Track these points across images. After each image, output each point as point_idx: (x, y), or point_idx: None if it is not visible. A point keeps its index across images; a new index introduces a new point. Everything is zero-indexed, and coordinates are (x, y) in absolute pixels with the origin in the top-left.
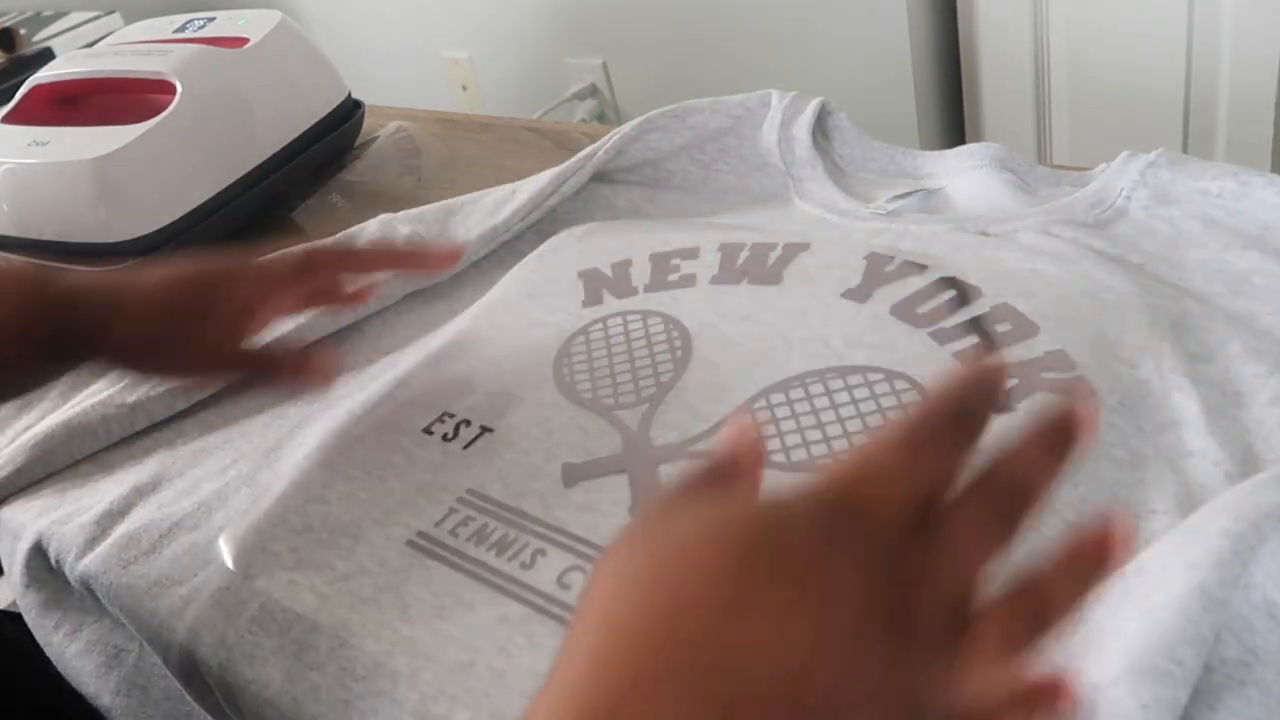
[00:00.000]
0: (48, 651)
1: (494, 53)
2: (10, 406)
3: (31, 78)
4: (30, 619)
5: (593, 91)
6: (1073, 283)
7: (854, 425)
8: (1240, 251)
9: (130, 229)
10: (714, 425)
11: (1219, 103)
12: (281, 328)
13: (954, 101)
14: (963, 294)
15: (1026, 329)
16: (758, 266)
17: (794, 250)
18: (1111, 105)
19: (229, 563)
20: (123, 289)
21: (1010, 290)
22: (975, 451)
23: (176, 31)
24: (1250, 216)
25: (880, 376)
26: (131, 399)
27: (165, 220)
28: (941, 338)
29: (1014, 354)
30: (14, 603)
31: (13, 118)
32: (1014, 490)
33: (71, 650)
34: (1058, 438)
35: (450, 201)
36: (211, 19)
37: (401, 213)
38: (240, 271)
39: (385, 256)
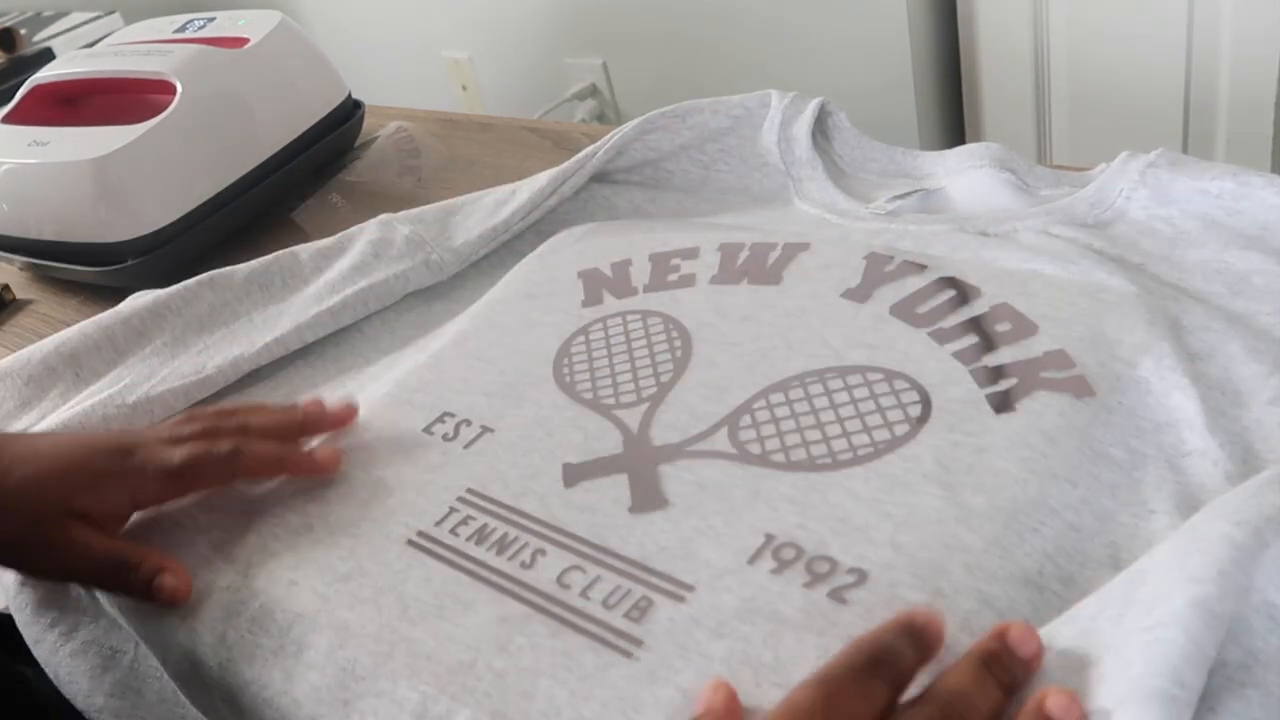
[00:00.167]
0: (38, 651)
1: (494, 53)
2: (10, 406)
3: (31, 78)
4: (24, 618)
5: (593, 91)
6: (1072, 282)
7: (854, 425)
8: (1240, 251)
9: (130, 229)
10: (714, 425)
11: (1219, 103)
12: (279, 326)
13: (954, 101)
14: (962, 294)
15: (1026, 328)
16: (757, 266)
17: (794, 250)
18: (1111, 105)
19: (230, 563)
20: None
21: (1010, 290)
22: (900, 693)
23: (176, 32)
24: (1250, 217)
25: (880, 376)
26: (131, 399)
27: (165, 220)
28: (941, 337)
29: (1013, 353)
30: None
31: (13, 118)
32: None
33: (66, 650)
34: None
35: (450, 201)
36: (211, 19)
37: (401, 213)
38: (112, 476)
39: (272, 467)
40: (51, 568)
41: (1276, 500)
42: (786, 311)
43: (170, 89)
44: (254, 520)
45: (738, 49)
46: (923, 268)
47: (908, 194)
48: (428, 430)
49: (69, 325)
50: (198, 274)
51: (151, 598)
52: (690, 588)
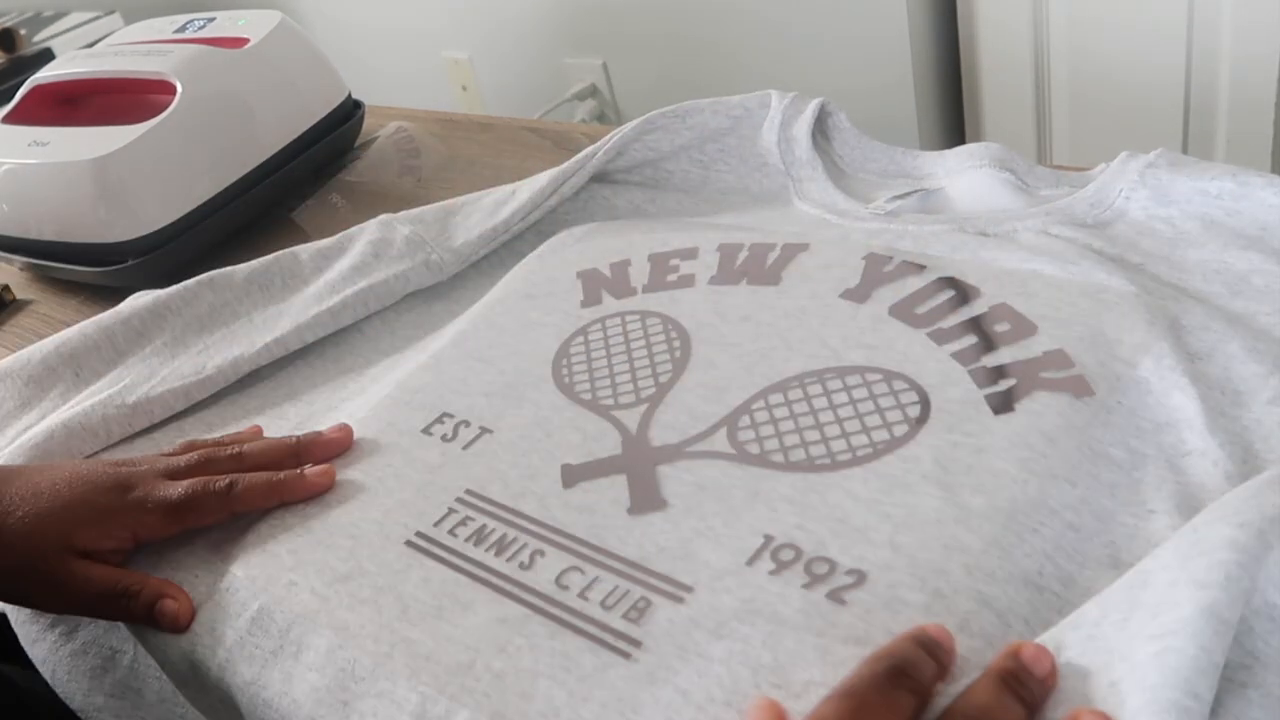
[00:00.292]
0: (35, 651)
1: (494, 53)
2: (10, 406)
3: (31, 78)
4: (23, 618)
5: (593, 91)
6: (1072, 282)
7: (853, 426)
8: (1239, 252)
9: (130, 229)
10: (713, 425)
11: (1219, 103)
12: (279, 327)
13: (954, 101)
14: (962, 294)
15: (1025, 329)
16: (756, 267)
17: (793, 250)
18: (1111, 105)
19: (230, 565)
20: None
21: (1009, 290)
22: (924, 705)
23: (176, 32)
24: (1249, 217)
25: (879, 377)
26: (131, 399)
27: (165, 220)
28: (940, 338)
29: (1013, 354)
30: None
31: (13, 118)
32: None
33: (66, 651)
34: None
35: (450, 202)
36: (211, 19)
37: (401, 213)
38: (111, 512)
39: (269, 496)
40: (53, 602)
41: (1278, 501)
42: (785, 312)
43: (170, 89)
44: (253, 521)
45: (738, 49)
46: (922, 268)
47: (907, 194)
48: (427, 431)
49: (69, 325)
50: (198, 274)
51: (152, 623)
52: (689, 589)
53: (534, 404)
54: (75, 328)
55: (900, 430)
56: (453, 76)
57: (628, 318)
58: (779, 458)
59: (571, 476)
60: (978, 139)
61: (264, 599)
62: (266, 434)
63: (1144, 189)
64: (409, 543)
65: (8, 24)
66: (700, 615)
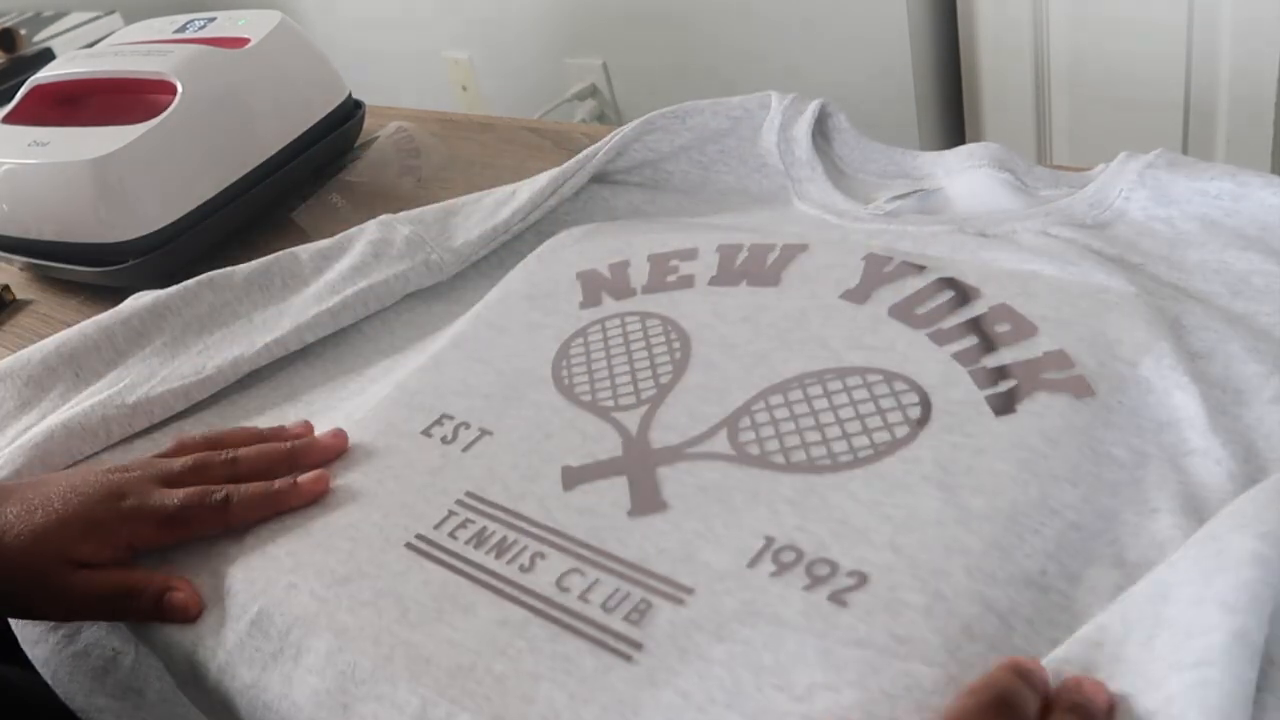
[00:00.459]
0: (37, 652)
1: (494, 53)
2: (10, 406)
3: (31, 78)
4: (22, 621)
5: (593, 91)
6: (1072, 283)
7: (853, 427)
8: (1239, 252)
9: (130, 229)
10: (713, 427)
11: (1219, 103)
12: (279, 327)
13: (954, 101)
14: (961, 294)
15: (1025, 329)
16: (756, 267)
17: (792, 251)
18: (1111, 105)
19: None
20: None
21: (1009, 291)
22: None
23: (177, 32)
24: (1249, 217)
25: (879, 378)
26: (131, 399)
27: (165, 220)
28: (940, 339)
29: (1013, 354)
30: None
31: (13, 118)
32: None
33: (68, 652)
34: None
35: (450, 202)
36: (212, 19)
37: (401, 213)
38: (107, 522)
39: (264, 506)
40: (60, 612)
41: None
42: (785, 313)
43: (170, 89)
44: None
45: (738, 49)
46: (922, 268)
47: (907, 195)
48: (426, 432)
49: (69, 325)
50: (198, 274)
51: (162, 618)
52: (690, 590)
53: (534, 405)
54: (75, 328)
55: (901, 431)
56: (453, 76)
57: (627, 319)
58: (779, 459)
59: (572, 478)
60: (978, 139)
61: (263, 601)
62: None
63: (1143, 189)
64: (409, 545)
65: (8, 24)
66: (701, 617)
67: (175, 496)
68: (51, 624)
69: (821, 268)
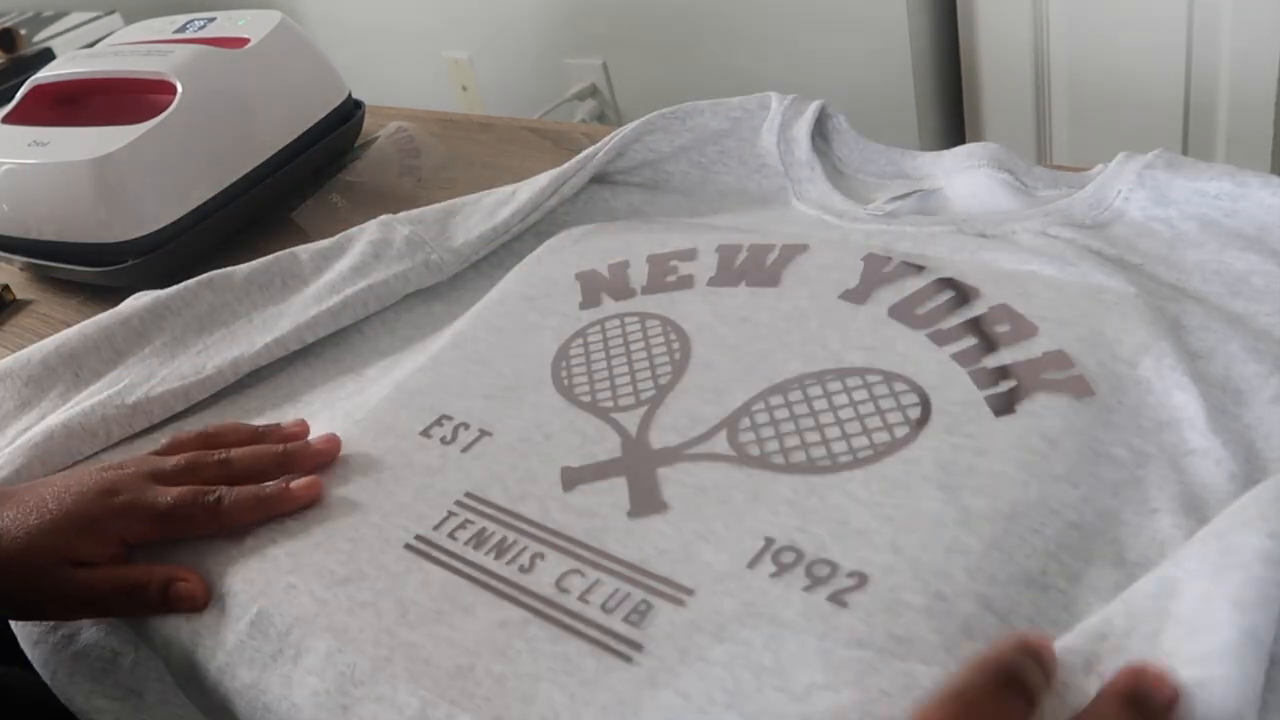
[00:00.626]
0: (37, 653)
1: (494, 53)
2: (10, 406)
3: (31, 78)
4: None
5: (593, 91)
6: (1071, 283)
7: (853, 427)
8: (1238, 252)
9: (130, 229)
10: (713, 427)
11: (1219, 103)
12: (278, 327)
13: (954, 102)
14: (961, 295)
15: (1025, 330)
16: (755, 268)
17: (792, 252)
18: (1111, 105)
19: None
20: None
21: (1008, 291)
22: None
23: (176, 32)
24: (1248, 217)
25: (879, 378)
26: (131, 399)
27: (165, 220)
28: (940, 339)
29: (1013, 355)
30: None
31: (13, 118)
32: None
33: (68, 653)
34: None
35: (450, 203)
36: (211, 19)
37: (401, 214)
38: (100, 520)
39: (257, 510)
40: (64, 611)
41: None
42: (784, 313)
43: (170, 89)
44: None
45: (738, 50)
46: (921, 269)
47: (906, 195)
48: (425, 433)
49: (69, 325)
50: (198, 274)
51: (170, 609)
52: (690, 591)
53: (533, 406)
54: (75, 328)
55: (901, 432)
56: (453, 76)
57: (627, 319)
58: (779, 460)
59: (571, 479)
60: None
61: (263, 602)
62: None
63: (1142, 190)
64: (408, 546)
65: (8, 24)
66: (701, 618)
67: (168, 495)
68: (51, 624)
69: (821, 268)
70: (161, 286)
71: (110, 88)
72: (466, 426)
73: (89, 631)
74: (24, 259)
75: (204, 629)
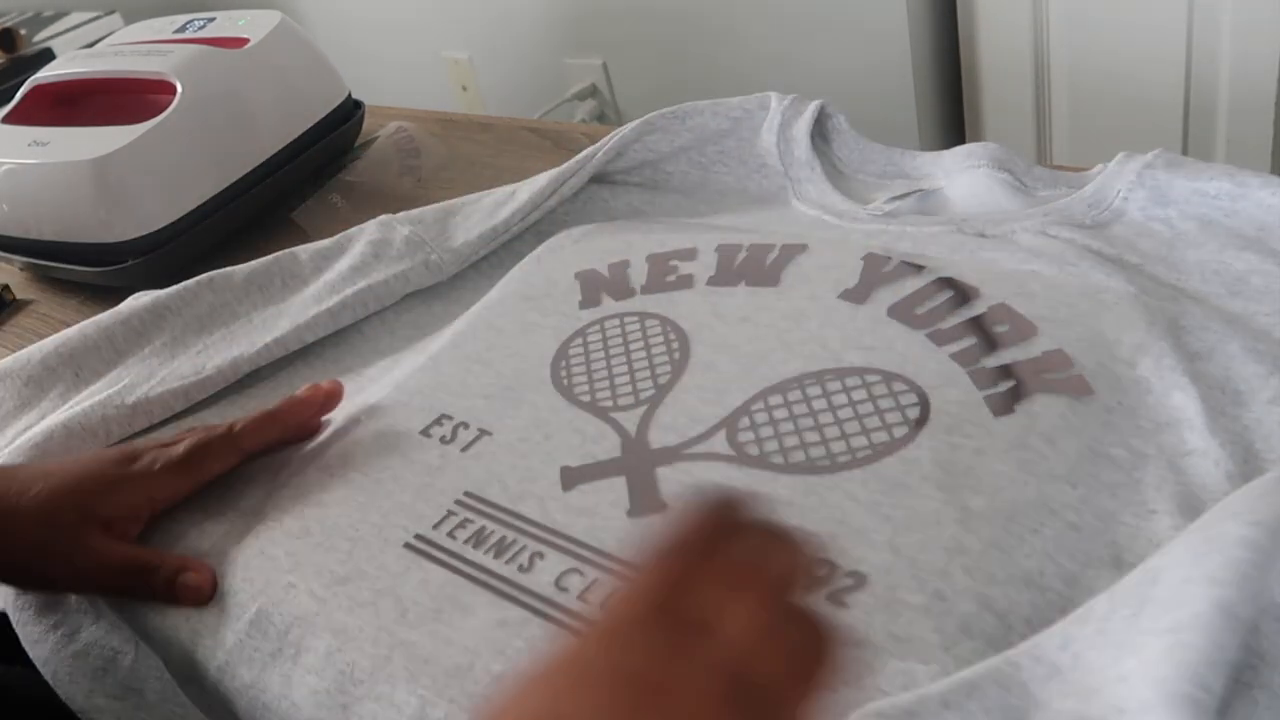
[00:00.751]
0: (37, 652)
1: (494, 53)
2: (10, 406)
3: (31, 78)
4: (25, 618)
5: (593, 92)
6: (1070, 283)
7: (852, 427)
8: (1237, 252)
9: (130, 229)
10: (712, 427)
11: (1219, 103)
12: (278, 327)
13: (954, 101)
14: (960, 295)
15: (1024, 329)
16: (755, 268)
17: (791, 251)
18: (1111, 105)
19: (228, 567)
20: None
21: (1008, 291)
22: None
23: (176, 32)
24: (1247, 217)
25: (878, 378)
26: (131, 400)
27: (165, 220)
28: (939, 339)
29: (1012, 354)
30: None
31: (13, 118)
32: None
33: (68, 652)
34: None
35: (450, 202)
36: (211, 19)
37: (401, 213)
38: (124, 479)
39: (269, 426)
40: (71, 579)
41: None
42: (784, 313)
43: (170, 89)
44: (251, 524)
45: (738, 49)
46: (920, 269)
47: (905, 195)
48: (425, 433)
49: (69, 325)
50: (198, 274)
51: (174, 599)
52: None
53: (533, 406)
54: (75, 328)
55: (900, 432)
56: (453, 76)
57: (626, 319)
58: (778, 459)
59: (571, 479)
60: (978, 139)
61: (262, 601)
62: None
63: (1142, 190)
64: (408, 545)
65: (8, 24)
66: None
67: (181, 444)
68: (51, 623)
69: (820, 268)
70: (161, 286)
71: (110, 88)
72: (466, 426)
73: (89, 630)
74: (24, 259)
75: (204, 628)
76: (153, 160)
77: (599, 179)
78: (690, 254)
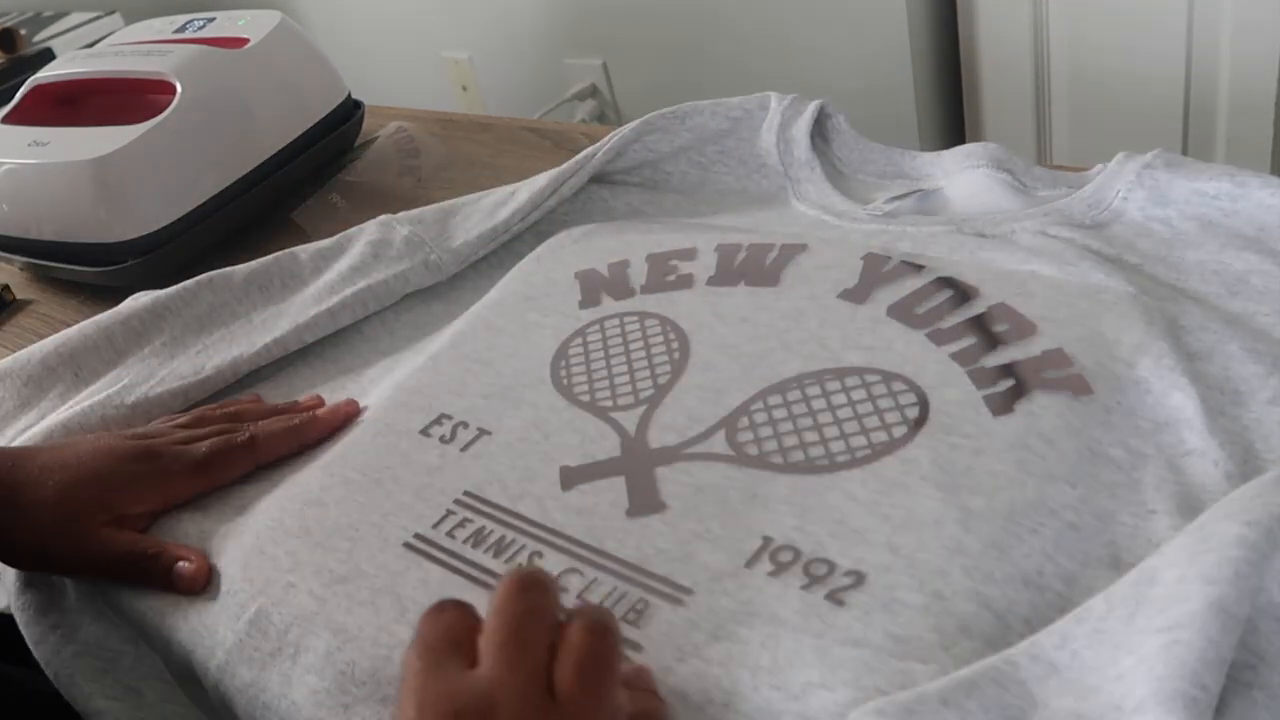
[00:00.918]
0: (39, 652)
1: (494, 53)
2: (9, 406)
3: (31, 78)
4: (26, 618)
5: (593, 92)
6: (1070, 283)
7: (851, 427)
8: (1237, 252)
9: (130, 229)
10: (712, 427)
11: (1219, 103)
12: (278, 327)
13: (954, 101)
14: (960, 294)
15: (1024, 329)
16: (755, 268)
17: (791, 251)
18: (1111, 105)
19: (228, 566)
20: (16, 490)
21: (1008, 290)
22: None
23: (176, 32)
24: (1247, 217)
25: (877, 378)
26: (130, 400)
27: (165, 220)
28: (939, 339)
29: (1011, 354)
30: (7, 605)
31: (13, 118)
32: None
33: (68, 652)
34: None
35: (449, 202)
36: (211, 19)
37: (401, 214)
38: (143, 478)
39: (288, 441)
40: (75, 564)
41: None
42: (784, 313)
43: (170, 89)
44: (251, 523)
45: (738, 50)
46: (920, 268)
47: (905, 195)
48: (425, 432)
49: (69, 325)
50: (198, 274)
51: (171, 586)
52: (688, 590)
53: (532, 406)
54: (75, 328)
55: (899, 432)
56: (453, 76)
57: (626, 319)
58: (778, 459)
59: (570, 478)
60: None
61: (262, 600)
62: None
63: (1141, 190)
64: (407, 544)
65: (8, 24)
66: (699, 617)
67: (202, 445)
68: (52, 623)
69: (820, 268)
70: (161, 286)
71: (110, 88)
72: (465, 425)
73: (89, 630)
74: (24, 259)
75: (203, 627)
76: (152, 160)
77: (599, 179)
78: (690, 254)
